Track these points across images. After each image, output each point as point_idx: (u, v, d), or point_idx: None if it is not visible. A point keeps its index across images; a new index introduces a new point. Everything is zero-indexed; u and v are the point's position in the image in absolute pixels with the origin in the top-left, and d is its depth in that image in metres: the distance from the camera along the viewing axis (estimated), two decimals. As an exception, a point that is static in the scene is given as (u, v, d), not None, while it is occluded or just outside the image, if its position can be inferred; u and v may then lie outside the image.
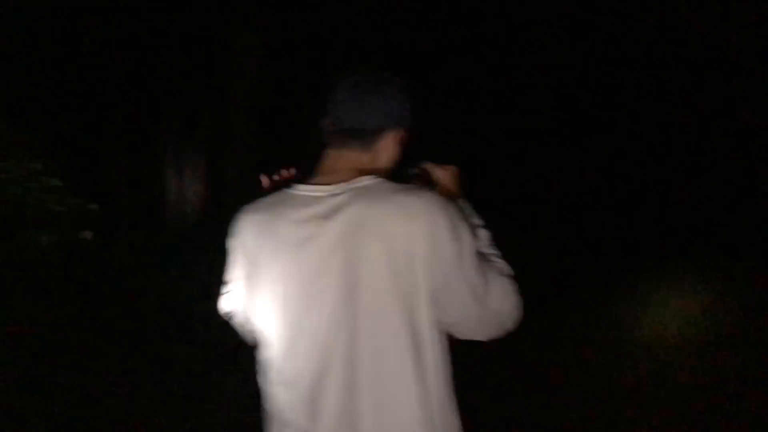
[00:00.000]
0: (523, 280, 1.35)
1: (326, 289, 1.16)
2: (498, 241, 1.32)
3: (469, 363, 1.73)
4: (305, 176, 1.32)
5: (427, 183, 1.34)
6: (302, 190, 1.25)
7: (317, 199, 1.21)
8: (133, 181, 7.16)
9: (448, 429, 1.21)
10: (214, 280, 1.68)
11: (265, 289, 1.26)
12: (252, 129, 6.65)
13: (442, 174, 1.37)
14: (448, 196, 1.28)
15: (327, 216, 1.17)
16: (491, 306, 1.19)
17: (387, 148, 1.30)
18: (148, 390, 3.57)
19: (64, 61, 7.15)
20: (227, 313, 1.46)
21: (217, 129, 6.97)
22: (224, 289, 1.44)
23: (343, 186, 1.20)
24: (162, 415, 3.31)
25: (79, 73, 7.52)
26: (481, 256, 1.21)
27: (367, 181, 1.20)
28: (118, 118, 7.09)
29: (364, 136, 1.26)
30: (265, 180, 1.43)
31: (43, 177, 2.48)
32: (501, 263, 1.28)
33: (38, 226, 2.42)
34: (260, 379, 1.33)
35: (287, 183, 1.32)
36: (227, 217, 1.40)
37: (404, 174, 1.37)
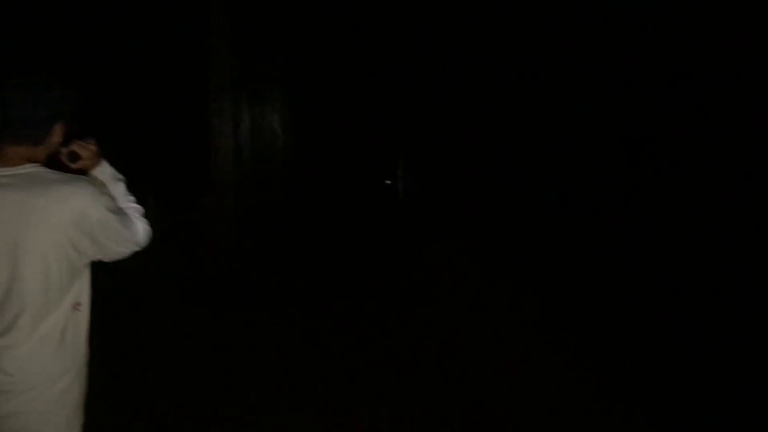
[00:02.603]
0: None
1: None
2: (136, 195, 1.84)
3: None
4: None
5: (75, 158, 1.76)
6: None
7: None
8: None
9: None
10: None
11: None
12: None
13: (85, 151, 1.77)
14: (91, 165, 1.78)
15: None
16: (130, 236, 1.67)
17: (54, 141, 1.65)
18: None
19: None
20: None
21: None
22: None
23: (10, 170, 1.55)
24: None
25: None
26: (118, 206, 1.67)
27: (30, 168, 1.57)
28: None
29: (34, 134, 1.58)
30: None
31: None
32: (135, 206, 1.80)
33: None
34: None
35: None
36: None
37: (59, 153, 1.73)
